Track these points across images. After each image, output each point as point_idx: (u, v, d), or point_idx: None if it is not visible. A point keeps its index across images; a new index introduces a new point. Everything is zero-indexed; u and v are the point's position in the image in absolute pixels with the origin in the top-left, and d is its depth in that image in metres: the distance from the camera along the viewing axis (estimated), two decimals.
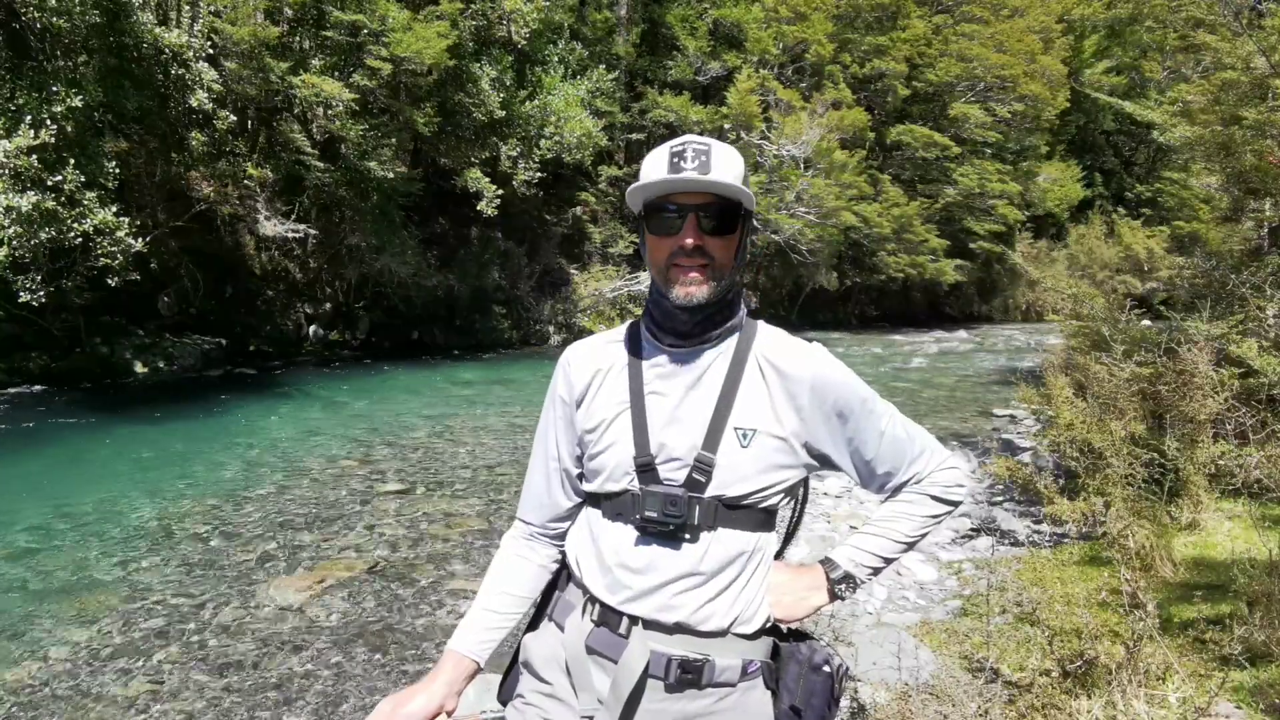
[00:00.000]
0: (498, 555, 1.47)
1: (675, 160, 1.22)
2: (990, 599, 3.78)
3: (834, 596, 1.33)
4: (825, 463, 1.35)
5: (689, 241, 1.22)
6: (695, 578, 1.25)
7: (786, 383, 1.28)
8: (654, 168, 1.26)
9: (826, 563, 1.35)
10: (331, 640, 4.06)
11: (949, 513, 1.36)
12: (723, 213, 1.23)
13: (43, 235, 9.43)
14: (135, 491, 6.61)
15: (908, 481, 1.34)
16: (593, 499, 1.36)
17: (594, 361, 1.37)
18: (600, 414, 1.32)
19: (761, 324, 1.36)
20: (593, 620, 1.29)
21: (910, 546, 1.36)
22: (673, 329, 1.30)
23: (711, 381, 1.28)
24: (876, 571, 1.36)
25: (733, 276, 1.28)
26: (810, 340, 1.36)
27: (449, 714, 1.33)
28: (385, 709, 1.28)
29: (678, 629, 1.25)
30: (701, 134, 22.41)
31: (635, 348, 1.35)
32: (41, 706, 3.44)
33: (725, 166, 1.23)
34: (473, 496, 6.62)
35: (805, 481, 1.39)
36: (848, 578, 1.33)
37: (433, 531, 5.70)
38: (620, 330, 1.41)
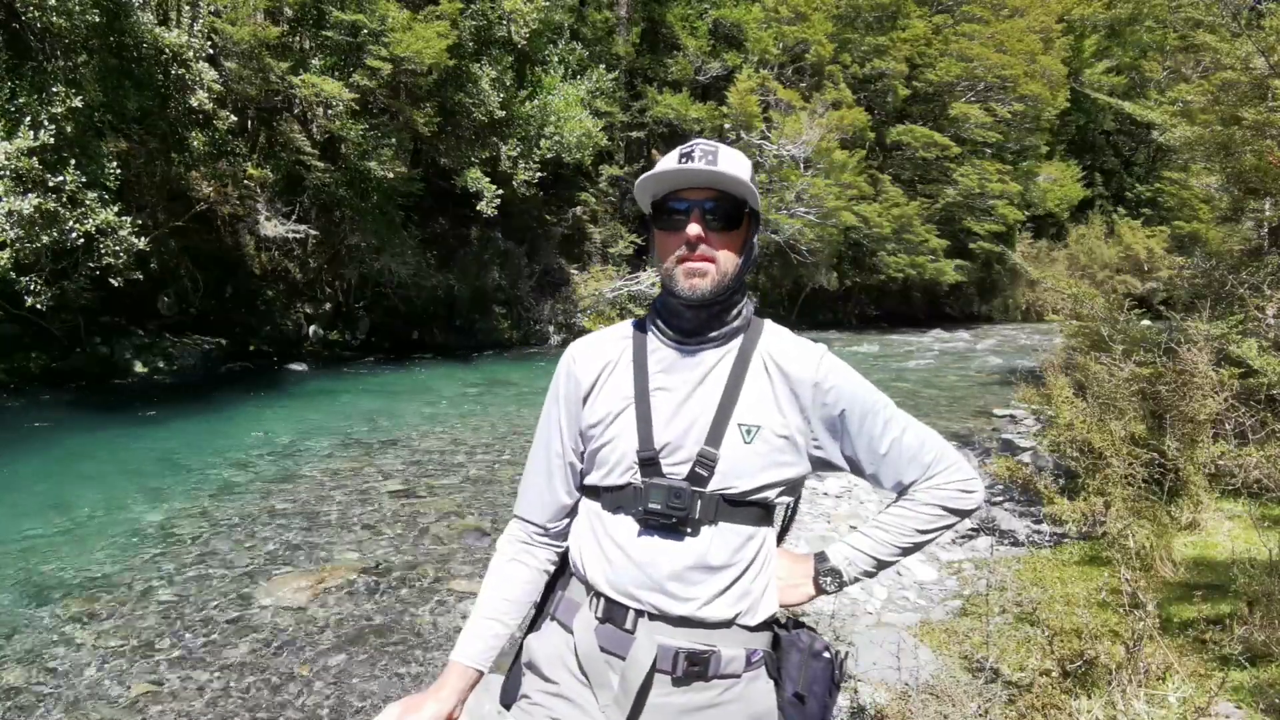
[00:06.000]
0: (494, 561, 1.47)
1: (683, 159, 1.27)
2: (990, 599, 3.78)
3: (819, 590, 1.36)
4: (826, 465, 1.36)
5: (693, 232, 1.25)
6: (698, 571, 1.26)
7: (790, 382, 1.30)
8: (663, 165, 1.29)
9: (819, 556, 1.37)
10: (331, 640, 4.06)
11: (956, 522, 1.36)
12: (727, 208, 1.27)
13: (45, 239, 9.42)
14: (135, 491, 6.61)
15: (916, 485, 1.34)
16: (593, 492, 1.36)
17: (600, 356, 1.39)
18: (605, 408, 1.33)
19: (768, 323, 1.37)
20: (597, 616, 1.29)
21: (908, 552, 1.37)
22: (678, 326, 1.33)
23: (716, 378, 1.30)
24: (869, 574, 1.37)
25: (737, 276, 1.31)
26: (815, 341, 1.37)
27: None
28: (395, 712, 1.28)
29: (683, 621, 1.25)
30: (701, 133, 22.59)
31: (641, 344, 1.36)
32: (41, 707, 3.44)
33: (731, 165, 1.27)
34: (473, 497, 6.62)
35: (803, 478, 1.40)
36: (834, 572, 1.35)
37: (433, 531, 5.70)
38: (625, 326, 1.42)
